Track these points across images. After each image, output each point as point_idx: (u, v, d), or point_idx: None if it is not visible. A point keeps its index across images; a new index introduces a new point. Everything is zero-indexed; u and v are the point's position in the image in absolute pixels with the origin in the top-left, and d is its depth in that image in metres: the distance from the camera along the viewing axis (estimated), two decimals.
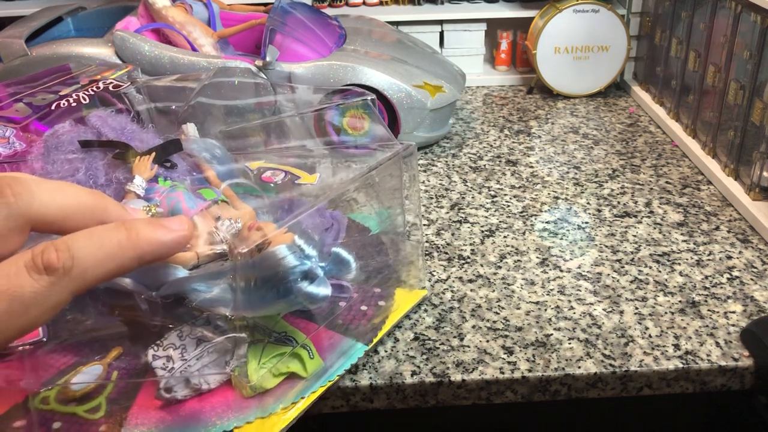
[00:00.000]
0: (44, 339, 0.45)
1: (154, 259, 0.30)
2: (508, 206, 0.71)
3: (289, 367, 0.45)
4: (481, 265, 0.61)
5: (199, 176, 0.50)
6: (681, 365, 0.49)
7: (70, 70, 0.63)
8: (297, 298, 0.42)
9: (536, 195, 0.73)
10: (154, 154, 0.48)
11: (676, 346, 0.51)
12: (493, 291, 0.57)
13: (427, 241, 0.65)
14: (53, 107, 0.54)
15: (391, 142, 0.50)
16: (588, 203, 0.72)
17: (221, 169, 0.52)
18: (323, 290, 0.43)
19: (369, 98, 0.54)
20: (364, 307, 0.51)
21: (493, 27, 1.06)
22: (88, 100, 0.55)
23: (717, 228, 0.67)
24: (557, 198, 0.73)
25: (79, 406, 0.43)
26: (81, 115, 0.54)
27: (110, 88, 0.58)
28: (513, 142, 0.86)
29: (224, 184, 0.49)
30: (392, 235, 0.56)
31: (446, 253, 0.63)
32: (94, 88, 0.57)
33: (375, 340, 0.50)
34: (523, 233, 0.66)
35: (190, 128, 0.55)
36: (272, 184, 0.56)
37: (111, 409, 0.43)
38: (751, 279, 0.59)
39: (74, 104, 0.55)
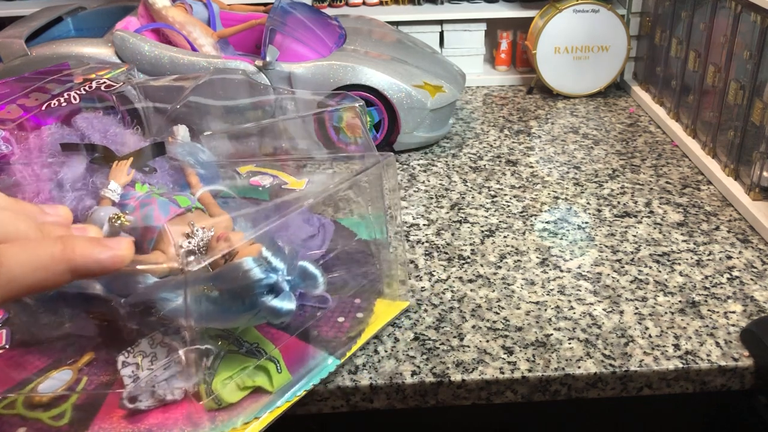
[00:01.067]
0: (6, 346, 0.45)
1: (88, 275, 0.30)
2: (508, 206, 0.71)
3: (255, 381, 0.44)
4: (481, 265, 0.61)
5: (182, 181, 0.49)
6: (681, 365, 0.49)
7: (68, 67, 0.63)
8: (261, 312, 0.41)
9: (536, 195, 0.73)
10: (132, 159, 0.47)
11: (676, 346, 0.51)
12: (493, 291, 0.57)
13: (427, 241, 0.65)
14: (44, 107, 0.54)
15: (371, 153, 0.50)
16: (588, 203, 0.72)
17: (205, 173, 0.51)
18: (287, 305, 0.41)
19: (358, 105, 0.54)
20: (341, 319, 0.50)
21: (493, 27, 1.06)
22: (78, 100, 0.55)
23: (717, 228, 0.67)
24: (557, 198, 0.73)
25: (44, 412, 0.42)
26: (75, 111, 0.54)
27: (102, 87, 0.57)
28: (513, 142, 0.86)
29: (202, 190, 0.48)
30: (375, 244, 0.55)
31: (446, 253, 0.63)
32: (86, 88, 0.56)
33: (348, 354, 0.48)
34: (523, 233, 0.66)
35: (181, 130, 0.55)
36: (260, 188, 0.56)
37: (76, 416, 0.42)
38: (751, 279, 0.59)
39: (64, 104, 0.55)
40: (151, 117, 0.60)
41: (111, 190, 0.45)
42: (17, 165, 0.47)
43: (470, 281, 0.59)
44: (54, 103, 0.55)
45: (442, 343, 0.52)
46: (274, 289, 0.41)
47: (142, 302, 0.41)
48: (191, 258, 0.40)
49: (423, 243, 0.65)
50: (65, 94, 0.55)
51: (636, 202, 0.72)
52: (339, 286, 0.52)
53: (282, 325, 0.47)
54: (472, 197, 0.73)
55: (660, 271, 0.60)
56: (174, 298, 0.40)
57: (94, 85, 0.57)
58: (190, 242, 0.41)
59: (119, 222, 0.42)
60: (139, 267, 0.39)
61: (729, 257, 0.62)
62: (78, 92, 0.56)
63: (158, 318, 0.42)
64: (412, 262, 0.62)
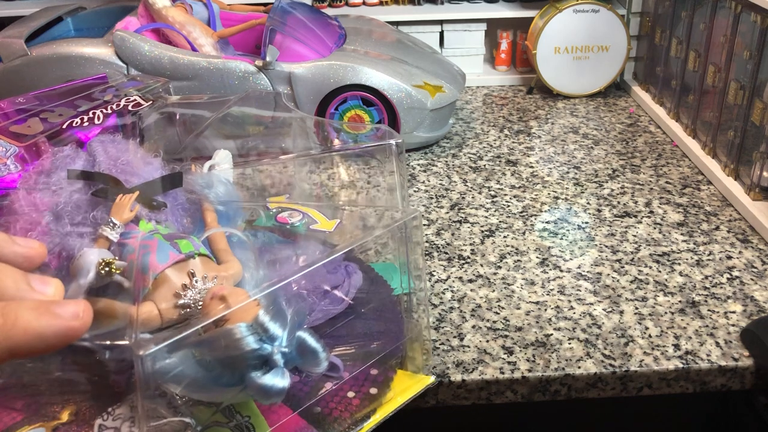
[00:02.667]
0: None
1: (30, 353, 0.26)
2: (508, 206, 0.71)
3: None
4: (481, 265, 0.61)
5: (199, 217, 0.45)
6: (681, 365, 0.49)
7: (106, 80, 0.59)
8: (249, 389, 0.35)
9: (536, 195, 0.73)
10: (137, 192, 0.42)
11: (676, 346, 0.51)
12: (493, 291, 0.57)
13: (427, 241, 0.65)
14: (64, 125, 0.50)
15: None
16: (588, 203, 0.72)
17: (224, 210, 0.45)
18: (279, 382, 0.35)
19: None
20: (351, 394, 0.42)
21: (493, 27, 1.06)
22: (101, 119, 0.50)
23: (717, 228, 0.67)
24: (557, 198, 0.73)
25: None
26: (105, 129, 0.50)
27: (130, 107, 0.52)
28: (513, 142, 0.86)
29: (210, 231, 0.43)
30: (407, 301, 0.47)
31: (446, 253, 0.63)
32: (114, 107, 0.52)
33: None
34: (523, 233, 0.66)
35: (221, 155, 0.48)
36: (288, 225, 0.50)
37: None
38: (751, 279, 0.59)
39: (86, 123, 0.50)
40: (183, 137, 0.56)
41: (109, 228, 0.40)
42: (20, 191, 0.43)
43: (470, 281, 0.59)
44: (76, 122, 0.50)
45: (442, 343, 0.52)
46: (268, 362, 0.35)
47: (126, 358, 0.37)
48: (185, 310, 0.36)
49: (423, 243, 0.65)
50: (90, 113, 0.51)
51: (636, 202, 0.72)
52: (356, 352, 0.44)
53: (275, 404, 0.40)
54: (472, 197, 0.73)
55: (660, 271, 0.60)
56: (164, 356, 0.35)
57: (122, 103, 0.53)
58: (185, 294, 0.37)
59: (107, 269, 0.38)
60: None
61: (729, 257, 0.62)
62: (104, 111, 0.52)
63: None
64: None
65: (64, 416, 0.40)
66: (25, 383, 0.41)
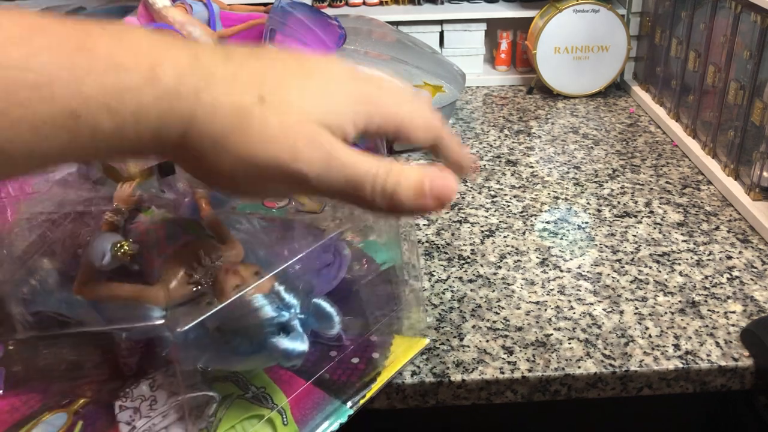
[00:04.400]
0: (0, 392, 0.42)
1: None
2: (508, 206, 0.71)
3: None
4: (481, 265, 0.61)
5: (192, 203, 0.46)
6: (681, 365, 0.49)
7: None
8: (272, 354, 0.38)
9: (536, 195, 0.73)
10: (138, 179, 0.44)
11: (676, 346, 0.51)
12: (493, 291, 0.57)
13: (427, 241, 0.65)
14: None
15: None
16: (588, 203, 0.72)
17: (216, 194, 0.48)
18: (300, 346, 0.38)
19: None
20: (355, 360, 0.46)
21: (493, 27, 1.06)
22: None
23: (717, 228, 0.67)
24: (557, 198, 0.73)
25: None
26: None
27: None
28: (513, 142, 0.86)
29: (208, 215, 0.45)
30: (396, 273, 0.50)
31: (446, 253, 0.63)
32: None
33: (362, 402, 0.44)
34: (523, 233, 0.66)
35: None
36: (274, 210, 0.53)
37: None
38: (751, 279, 0.59)
39: None
40: None
41: (114, 214, 0.42)
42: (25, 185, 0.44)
43: (470, 281, 0.59)
44: None
45: (442, 343, 0.52)
46: (286, 329, 0.37)
47: (143, 338, 0.39)
48: (196, 287, 0.38)
49: (423, 243, 0.65)
50: None
51: (636, 202, 0.72)
52: (355, 322, 0.48)
53: (293, 368, 0.44)
54: (472, 197, 0.73)
55: (660, 271, 0.60)
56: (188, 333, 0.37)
57: None
58: (196, 273, 0.39)
59: (122, 250, 0.39)
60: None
61: (729, 257, 0.62)
62: None
63: (162, 357, 0.39)
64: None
65: (82, 401, 0.41)
66: (41, 368, 0.42)
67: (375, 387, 0.45)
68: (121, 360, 0.41)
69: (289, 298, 0.38)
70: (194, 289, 0.39)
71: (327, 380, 0.44)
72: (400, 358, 0.48)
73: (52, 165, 0.29)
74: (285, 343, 0.37)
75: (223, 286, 0.38)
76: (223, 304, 0.35)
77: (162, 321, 0.36)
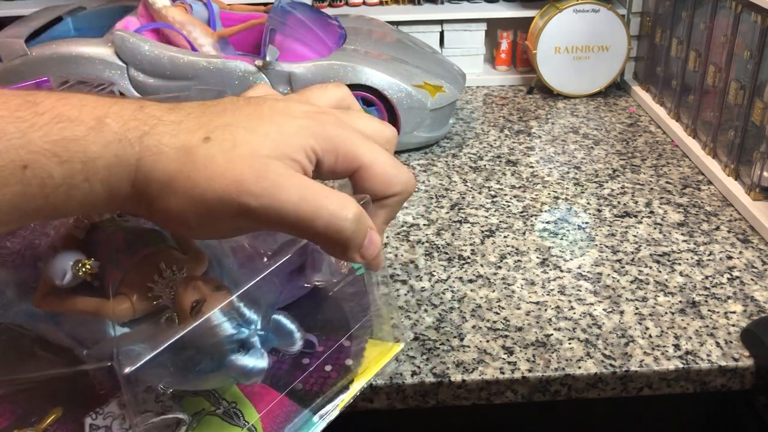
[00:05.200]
0: None
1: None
2: (508, 206, 0.71)
3: None
4: (481, 265, 0.61)
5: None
6: (681, 365, 0.49)
7: (48, 84, 0.60)
8: (230, 371, 0.36)
9: (536, 195, 0.73)
10: None
11: (677, 347, 0.51)
12: (493, 291, 0.57)
13: (427, 241, 0.65)
14: None
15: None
16: (588, 203, 0.72)
17: None
18: (259, 363, 0.36)
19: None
20: (328, 368, 0.44)
21: (493, 27, 1.06)
22: None
23: (717, 228, 0.67)
24: (557, 198, 0.73)
25: None
26: None
27: None
28: (513, 142, 0.86)
29: None
30: (368, 275, 0.48)
31: (446, 253, 0.63)
32: None
33: (334, 414, 0.42)
34: (523, 233, 0.66)
35: None
36: None
37: None
38: (752, 279, 0.59)
39: None
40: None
41: (75, 225, 0.40)
42: None
43: (470, 281, 0.59)
44: None
45: (442, 343, 0.52)
46: (245, 345, 0.36)
47: (105, 355, 0.37)
48: (157, 301, 0.37)
49: (423, 243, 0.65)
50: None
51: (636, 202, 0.72)
52: (328, 326, 0.46)
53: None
54: (472, 197, 0.73)
55: (660, 271, 0.60)
56: (140, 352, 0.34)
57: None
58: (156, 286, 0.38)
59: (84, 269, 0.38)
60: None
61: (729, 257, 0.62)
62: None
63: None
64: (412, 262, 0.62)
65: (51, 418, 0.39)
66: (8, 386, 0.40)
67: (347, 397, 0.43)
68: (91, 375, 0.40)
69: (249, 313, 0.36)
70: (154, 303, 0.38)
71: (299, 390, 0.42)
72: (373, 364, 0.46)
73: (7, 222, 0.29)
74: (244, 360, 0.36)
75: (180, 301, 0.36)
76: (170, 341, 0.33)
77: (108, 363, 0.34)
